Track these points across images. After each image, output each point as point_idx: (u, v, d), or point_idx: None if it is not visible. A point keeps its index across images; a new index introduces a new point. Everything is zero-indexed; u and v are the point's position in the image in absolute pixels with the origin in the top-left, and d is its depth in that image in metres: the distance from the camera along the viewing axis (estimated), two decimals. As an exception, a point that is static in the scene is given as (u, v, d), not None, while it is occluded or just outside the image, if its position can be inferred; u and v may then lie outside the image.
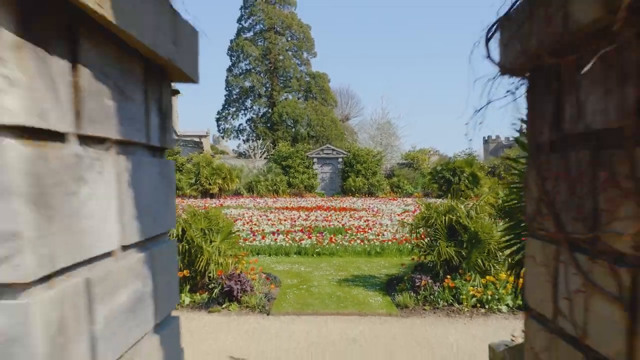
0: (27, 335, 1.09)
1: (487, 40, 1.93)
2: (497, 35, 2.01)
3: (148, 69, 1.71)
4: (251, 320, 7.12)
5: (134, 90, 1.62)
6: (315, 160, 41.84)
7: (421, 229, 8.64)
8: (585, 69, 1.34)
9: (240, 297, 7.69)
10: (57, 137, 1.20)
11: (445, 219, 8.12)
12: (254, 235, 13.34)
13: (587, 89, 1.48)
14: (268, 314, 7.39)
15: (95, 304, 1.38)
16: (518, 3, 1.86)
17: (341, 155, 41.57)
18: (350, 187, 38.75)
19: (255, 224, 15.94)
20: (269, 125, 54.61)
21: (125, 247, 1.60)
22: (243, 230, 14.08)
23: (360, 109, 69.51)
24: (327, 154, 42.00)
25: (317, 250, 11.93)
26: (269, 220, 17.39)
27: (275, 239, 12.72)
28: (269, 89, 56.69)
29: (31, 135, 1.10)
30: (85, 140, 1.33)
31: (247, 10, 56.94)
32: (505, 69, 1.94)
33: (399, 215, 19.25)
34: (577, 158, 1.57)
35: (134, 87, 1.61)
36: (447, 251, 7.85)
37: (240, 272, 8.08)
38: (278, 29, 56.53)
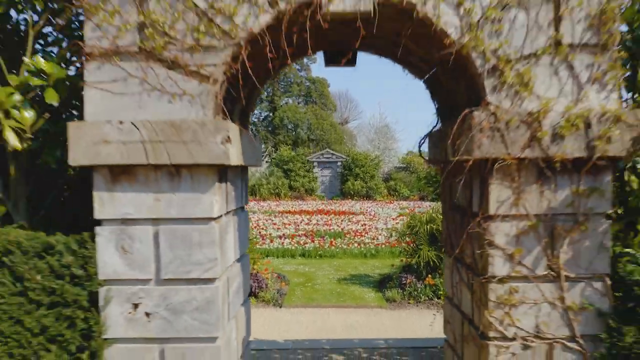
0: (216, 299, 2.73)
1: (419, 146, 3.59)
2: (428, 140, 3.66)
3: (243, 170, 3.35)
4: (267, 312, 8.73)
5: (238, 182, 3.26)
6: (315, 164, 43.56)
7: (407, 236, 10.28)
8: (440, 183, 3.03)
9: (257, 292, 9.31)
10: (221, 215, 2.84)
11: (427, 228, 9.75)
12: (263, 239, 14.96)
13: (457, 184, 3.14)
14: (280, 307, 9.00)
15: (229, 287, 3.01)
16: (436, 128, 3.52)
17: (340, 160, 43.14)
18: (349, 190, 40.29)
19: (262, 228, 17.57)
20: (270, 129, 56.17)
21: (235, 260, 3.23)
22: (253, 234, 15.70)
23: (359, 113, 71.27)
24: (327, 158, 43.65)
25: (319, 252, 13.57)
26: (274, 224, 19.00)
27: (282, 243, 14.35)
28: (271, 94, 58.34)
29: (217, 218, 2.74)
30: (229, 212, 2.96)
31: None
32: (431, 161, 3.59)
33: (394, 219, 20.87)
34: (456, 217, 3.22)
35: (239, 181, 3.26)
36: (428, 255, 9.48)
37: (257, 272, 9.71)
38: None
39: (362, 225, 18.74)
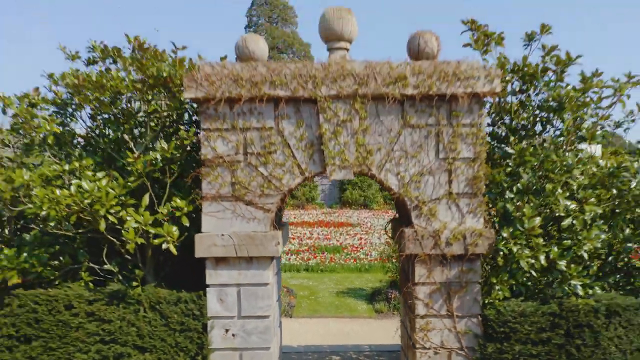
0: (270, 326, 5.07)
1: (385, 228, 5.93)
2: (392, 222, 6.00)
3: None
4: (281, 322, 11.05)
5: (278, 263, 5.59)
6: (315, 173, 46.04)
7: (393, 255, 12.61)
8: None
9: (272, 305, 11.66)
10: (272, 281, 5.16)
11: (408, 253, 12.08)
12: (271, 255, 17.31)
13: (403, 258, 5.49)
14: (291, 317, 11.32)
15: (274, 318, 5.34)
16: (393, 219, 5.86)
17: (339, 169, 45.49)
18: (348, 199, 42.60)
19: (270, 243, 19.92)
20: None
21: (276, 301, 5.56)
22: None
23: (357, 120, 73.74)
24: (327, 167, 46.15)
25: (320, 268, 15.92)
26: (280, 238, 21.35)
27: (289, 259, 16.69)
28: (272, 104, 60.67)
29: (270, 283, 5.06)
30: (274, 275, 5.29)
31: (251, 30, 61.13)
32: (392, 238, 5.92)
33: (386, 232, 23.20)
34: (403, 275, 5.59)
35: (278, 264, 5.59)
36: (409, 275, 11.82)
37: (271, 288, 12.04)
38: (280, 46, 60.56)
39: (359, 240, 21.07)
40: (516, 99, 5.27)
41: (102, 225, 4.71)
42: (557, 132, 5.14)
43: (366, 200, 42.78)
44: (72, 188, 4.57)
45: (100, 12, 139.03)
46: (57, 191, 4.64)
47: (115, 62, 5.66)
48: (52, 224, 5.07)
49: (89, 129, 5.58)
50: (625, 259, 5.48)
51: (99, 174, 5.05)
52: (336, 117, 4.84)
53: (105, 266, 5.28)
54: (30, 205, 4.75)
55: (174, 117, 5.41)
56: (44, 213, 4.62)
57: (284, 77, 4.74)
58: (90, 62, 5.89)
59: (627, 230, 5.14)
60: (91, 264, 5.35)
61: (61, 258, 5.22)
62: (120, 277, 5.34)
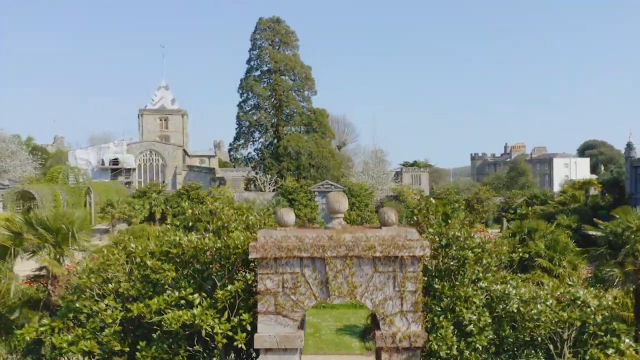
0: (296, 386, 8.63)
1: (369, 317, 9.53)
2: (372, 316, 9.59)
3: (301, 334, 9.24)
4: (293, 357, 14.58)
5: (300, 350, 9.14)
6: (316, 193, 49.77)
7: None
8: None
9: (286, 344, 15.21)
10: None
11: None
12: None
13: (377, 344, 9.10)
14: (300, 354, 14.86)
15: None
16: (372, 314, 9.46)
17: (338, 189, 49.12)
18: (346, 219, 46.14)
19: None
20: (274, 156, 61.76)
21: None
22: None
23: (356, 137, 77.73)
24: (327, 188, 49.71)
25: (322, 304, 19.46)
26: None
27: (297, 296, 20.27)
28: (275, 124, 64.16)
29: (297, 361, 8.62)
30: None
31: (254, 53, 64.54)
32: (372, 331, 9.51)
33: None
34: (377, 352, 9.17)
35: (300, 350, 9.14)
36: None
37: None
38: (282, 69, 63.99)
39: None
40: (442, 251, 8.82)
41: (203, 332, 8.28)
42: (463, 275, 8.70)
43: (363, 220, 46.35)
44: (188, 313, 8.13)
45: (100, 12, 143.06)
46: (178, 312, 8.19)
47: (199, 220, 9.25)
48: (166, 324, 8.60)
49: (185, 268, 9.12)
50: (514, 342, 9.00)
51: (195, 295, 8.61)
52: (336, 267, 8.41)
53: (195, 347, 8.84)
54: (160, 319, 8.31)
55: (240, 263, 8.97)
56: (170, 325, 8.19)
57: (306, 245, 8.31)
58: (178, 214, 9.44)
59: (506, 332, 8.70)
60: (187, 347, 8.91)
61: (172, 346, 8.77)
62: (205, 355, 8.90)
